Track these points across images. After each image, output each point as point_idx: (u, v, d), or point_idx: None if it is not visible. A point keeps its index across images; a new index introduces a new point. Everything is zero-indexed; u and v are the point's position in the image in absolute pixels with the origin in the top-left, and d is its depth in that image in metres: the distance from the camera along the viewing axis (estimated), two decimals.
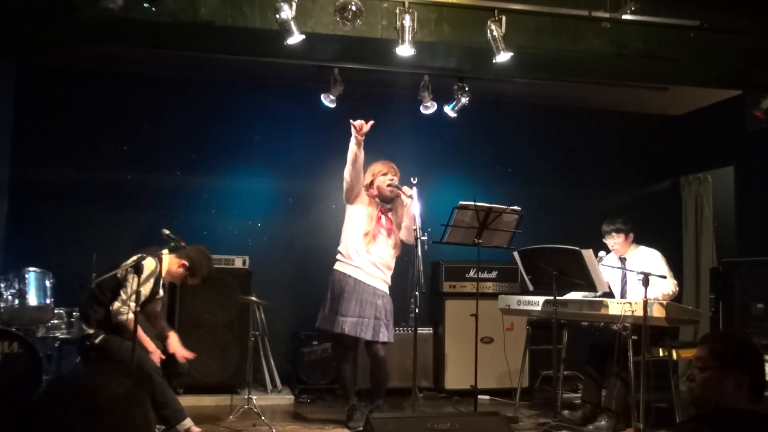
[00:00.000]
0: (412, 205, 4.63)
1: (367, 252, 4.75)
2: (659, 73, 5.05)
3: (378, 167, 4.90)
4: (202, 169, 6.17)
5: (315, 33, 4.21)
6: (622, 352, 4.36)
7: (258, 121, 6.28)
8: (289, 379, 5.99)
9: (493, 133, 6.70)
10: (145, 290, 4.04)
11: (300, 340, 5.94)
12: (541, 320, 4.97)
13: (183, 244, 4.23)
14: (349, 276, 4.73)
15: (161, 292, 4.32)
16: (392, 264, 4.88)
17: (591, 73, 5.26)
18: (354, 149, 4.67)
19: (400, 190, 4.73)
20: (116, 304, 4.00)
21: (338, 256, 4.85)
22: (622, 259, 4.95)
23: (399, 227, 4.86)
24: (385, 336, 4.68)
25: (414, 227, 4.49)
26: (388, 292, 4.81)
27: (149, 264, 4.02)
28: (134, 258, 4.02)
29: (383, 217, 4.87)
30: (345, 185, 4.80)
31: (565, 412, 4.79)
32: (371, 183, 4.90)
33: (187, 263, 4.25)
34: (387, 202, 4.92)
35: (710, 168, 6.72)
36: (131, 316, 3.91)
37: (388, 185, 4.81)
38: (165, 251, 4.17)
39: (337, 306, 4.67)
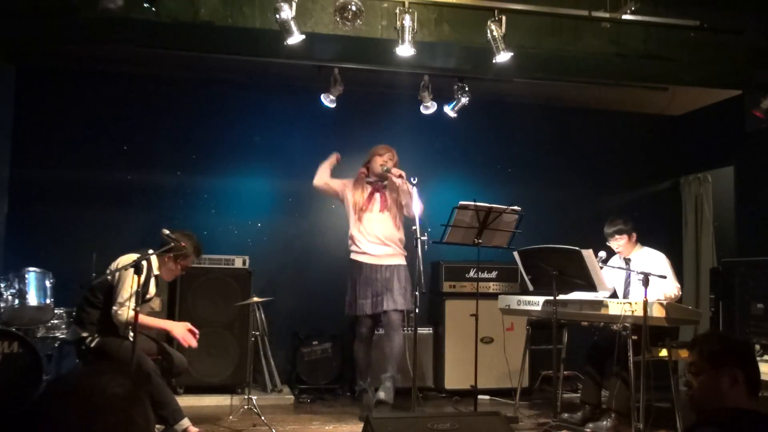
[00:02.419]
0: (404, 186, 4.95)
1: (367, 233, 5.06)
2: (659, 73, 5.05)
3: (379, 150, 5.19)
4: (202, 169, 6.17)
5: (315, 33, 4.21)
6: (622, 352, 4.36)
7: (258, 121, 6.28)
8: (289, 379, 5.99)
9: (493, 133, 6.70)
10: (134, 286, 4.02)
11: (300, 340, 5.94)
12: (541, 320, 4.97)
13: (183, 244, 4.23)
14: (361, 262, 5.06)
15: (152, 292, 4.28)
16: (399, 235, 5.13)
17: (591, 73, 5.26)
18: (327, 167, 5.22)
19: (390, 173, 5.00)
20: (114, 308, 3.97)
21: (349, 247, 5.17)
22: (627, 260, 4.95)
23: (396, 204, 5.12)
24: (399, 304, 4.95)
25: (414, 227, 4.56)
26: (401, 261, 5.09)
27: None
28: (121, 259, 4.01)
29: (377, 194, 5.14)
30: (322, 192, 5.32)
31: (565, 415, 4.77)
32: (369, 161, 5.21)
33: (174, 261, 4.22)
34: (382, 180, 5.16)
35: (710, 168, 6.72)
36: (131, 313, 3.91)
37: (381, 165, 5.10)
38: (151, 251, 4.15)
39: (355, 291, 5.03)
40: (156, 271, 4.25)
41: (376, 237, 5.04)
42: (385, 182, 5.15)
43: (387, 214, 5.10)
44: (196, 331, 4.20)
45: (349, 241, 5.16)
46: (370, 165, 5.19)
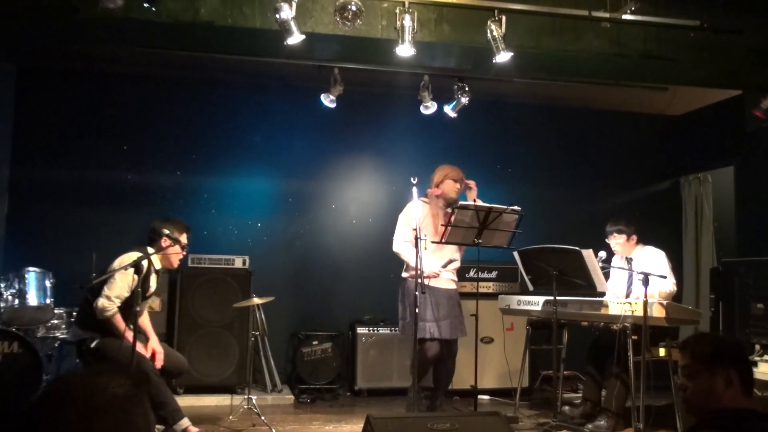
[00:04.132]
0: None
1: (432, 259, 4.76)
2: (659, 73, 5.05)
3: (451, 172, 4.91)
4: (202, 169, 6.17)
5: (315, 33, 4.21)
6: (622, 352, 4.37)
7: (258, 121, 6.28)
8: (289, 379, 5.99)
9: (493, 133, 6.70)
10: (133, 285, 4.01)
11: (300, 340, 5.94)
12: (541, 320, 4.97)
13: (182, 244, 4.22)
14: (428, 285, 4.70)
15: (152, 288, 4.27)
16: (457, 259, 4.94)
17: (591, 73, 5.26)
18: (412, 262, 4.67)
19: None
20: (100, 301, 3.94)
21: (407, 267, 4.87)
22: (629, 260, 4.95)
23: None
24: (463, 332, 4.81)
25: (414, 227, 4.53)
26: (455, 286, 4.93)
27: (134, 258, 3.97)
28: (123, 257, 4.01)
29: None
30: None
31: (566, 408, 4.80)
32: (440, 182, 4.89)
33: (166, 240, 4.16)
34: (448, 206, 4.87)
35: (710, 168, 6.72)
36: (115, 311, 3.92)
37: (457, 191, 4.86)
38: (151, 249, 4.14)
39: (417, 313, 4.67)
40: (158, 266, 4.24)
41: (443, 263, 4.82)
42: (450, 207, 4.88)
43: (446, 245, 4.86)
44: (161, 358, 4.14)
45: (409, 265, 4.84)
46: (441, 186, 4.87)
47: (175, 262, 4.35)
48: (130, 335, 3.81)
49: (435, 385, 4.94)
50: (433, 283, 4.73)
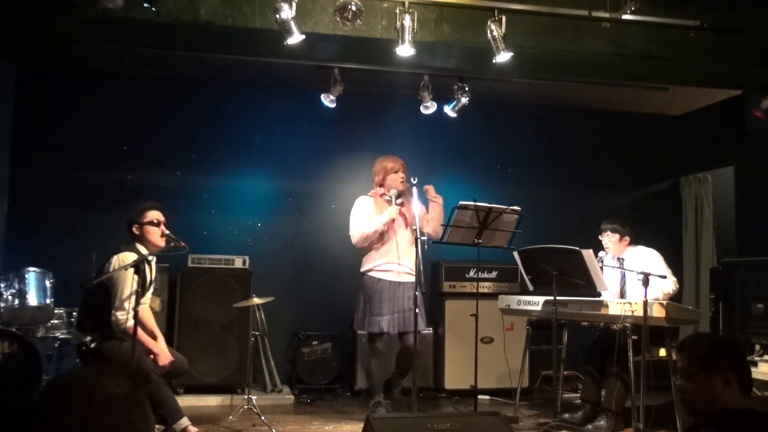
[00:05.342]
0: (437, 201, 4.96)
1: (386, 254, 4.87)
2: (659, 73, 5.05)
3: (389, 164, 5.00)
4: (202, 169, 6.17)
5: (315, 33, 4.21)
6: (622, 352, 4.37)
7: (258, 121, 6.28)
8: (289, 379, 5.99)
9: (493, 133, 6.69)
10: (134, 286, 3.98)
11: (300, 340, 5.95)
12: (541, 320, 4.97)
13: (182, 244, 4.21)
14: (378, 279, 4.86)
15: (149, 278, 4.23)
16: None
17: (591, 73, 5.26)
18: (383, 225, 4.82)
19: (434, 200, 4.99)
20: (115, 313, 3.90)
21: (364, 262, 4.97)
22: (620, 259, 4.96)
23: (413, 220, 4.81)
24: (420, 325, 4.78)
25: (414, 227, 4.54)
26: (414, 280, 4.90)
27: (129, 259, 3.93)
28: (114, 259, 3.97)
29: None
30: (355, 244, 4.96)
31: (566, 415, 4.78)
32: (383, 180, 4.99)
33: (139, 228, 4.14)
34: (398, 198, 4.97)
35: (710, 168, 6.72)
36: (131, 322, 3.89)
37: (401, 182, 4.94)
38: (138, 245, 4.08)
39: (371, 308, 4.83)
40: (150, 258, 4.19)
41: (397, 257, 4.87)
42: (401, 200, 4.96)
43: (405, 234, 4.92)
44: (168, 362, 4.08)
45: (366, 259, 4.96)
46: (385, 183, 4.96)
47: (159, 241, 4.18)
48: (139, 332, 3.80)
49: (395, 374, 5.06)
50: (391, 277, 4.84)
